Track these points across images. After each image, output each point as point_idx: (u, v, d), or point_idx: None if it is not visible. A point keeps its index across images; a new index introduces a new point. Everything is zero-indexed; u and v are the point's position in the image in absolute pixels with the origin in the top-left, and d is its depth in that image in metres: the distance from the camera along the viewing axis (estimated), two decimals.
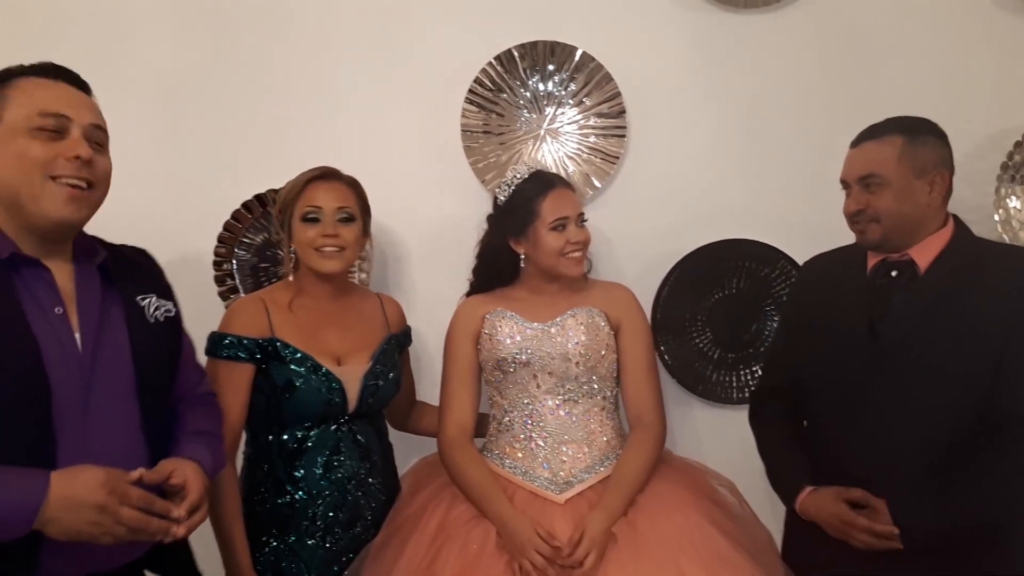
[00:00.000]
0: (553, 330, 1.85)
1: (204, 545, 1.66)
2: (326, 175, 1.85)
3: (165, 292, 1.55)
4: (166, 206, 2.25)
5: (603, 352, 1.86)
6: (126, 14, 2.25)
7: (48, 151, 1.32)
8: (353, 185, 1.88)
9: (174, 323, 1.54)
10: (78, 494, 1.21)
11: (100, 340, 1.37)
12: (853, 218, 1.69)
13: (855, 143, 1.71)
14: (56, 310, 1.33)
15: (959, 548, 1.58)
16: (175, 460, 1.39)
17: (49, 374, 1.28)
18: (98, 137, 1.39)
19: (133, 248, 1.56)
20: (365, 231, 1.90)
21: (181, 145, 2.28)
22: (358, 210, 1.86)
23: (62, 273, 1.36)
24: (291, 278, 1.86)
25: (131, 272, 1.49)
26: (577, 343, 1.82)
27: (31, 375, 1.26)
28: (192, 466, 1.40)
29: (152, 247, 2.26)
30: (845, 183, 1.72)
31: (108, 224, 2.19)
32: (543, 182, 1.89)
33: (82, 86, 1.41)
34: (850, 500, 1.64)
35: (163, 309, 1.50)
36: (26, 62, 1.40)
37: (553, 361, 1.82)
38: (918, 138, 1.63)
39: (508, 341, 1.85)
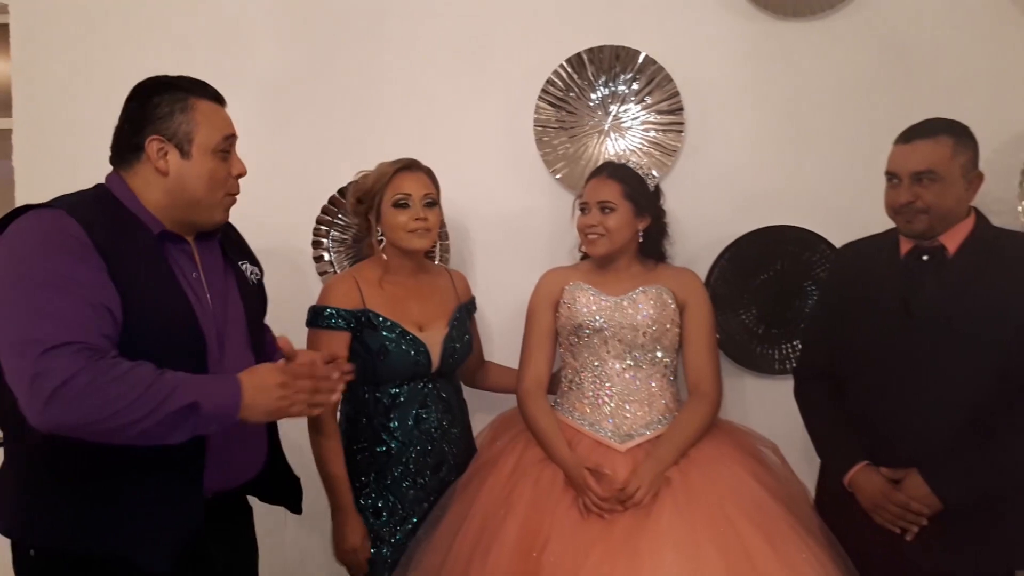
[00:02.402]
0: (625, 303, 2.02)
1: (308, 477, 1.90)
2: (410, 166, 2.01)
3: (253, 258, 1.76)
4: (271, 193, 2.43)
5: (668, 325, 2.02)
6: (238, 24, 2.49)
7: (226, 170, 1.56)
8: (431, 174, 2.05)
9: (261, 285, 1.76)
10: (262, 380, 1.43)
11: (224, 300, 1.59)
12: (901, 209, 1.77)
13: (906, 139, 1.78)
14: (193, 275, 1.54)
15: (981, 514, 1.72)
16: (302, 351, 1.58)
17: (203, 328, 1.50)
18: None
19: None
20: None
21: (286, 138, 2.48)
22: (437, 196, 2.04)
23: (193, 246, 1.59)
24: (384, 256, 2.03)
25: (233, 243, 1.71)
26: (646, 315, 1.99)
27: (191, 330, 1.48)
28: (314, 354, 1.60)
29: (259, 229, 2.52)
30: (895, 175, 1.78)
31: None
32: (593, 170, 2.12)
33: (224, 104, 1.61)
34: (893, 479, 1.77)
35: (255, 273, 1.73)
36: (148, 67, 1.56)
37: (623, 330, 2.00)
38: (962, 140, 1.75)
39: (585, 310, 2.03)
